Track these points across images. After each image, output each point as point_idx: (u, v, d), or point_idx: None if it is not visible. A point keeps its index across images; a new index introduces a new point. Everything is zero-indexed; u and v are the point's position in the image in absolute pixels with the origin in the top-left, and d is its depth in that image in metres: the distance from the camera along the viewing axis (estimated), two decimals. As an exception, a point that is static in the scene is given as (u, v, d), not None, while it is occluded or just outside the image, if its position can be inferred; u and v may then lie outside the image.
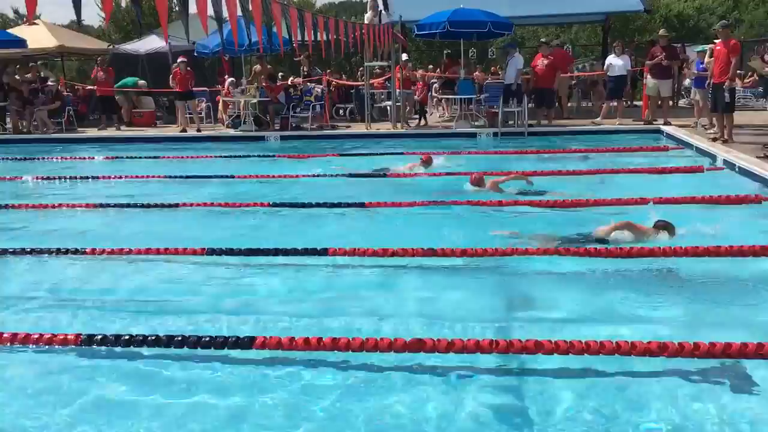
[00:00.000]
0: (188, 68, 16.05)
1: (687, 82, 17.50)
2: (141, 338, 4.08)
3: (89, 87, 19.60)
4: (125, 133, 16.49)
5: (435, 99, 18.61)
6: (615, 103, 15.09)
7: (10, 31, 20.83)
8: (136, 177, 10.34)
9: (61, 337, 4.16)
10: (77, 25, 22.44)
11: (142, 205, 7.97)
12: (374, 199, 7.75)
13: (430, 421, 3.30)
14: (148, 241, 6.23)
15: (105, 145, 15.14)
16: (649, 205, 7.00)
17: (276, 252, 5.79)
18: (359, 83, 17.64)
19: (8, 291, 5.43)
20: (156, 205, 7.96)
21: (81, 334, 4.16)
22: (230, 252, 5.86)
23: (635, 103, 18.04)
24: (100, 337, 4.12)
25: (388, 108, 16.13)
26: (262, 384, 3.72)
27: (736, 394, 3.49)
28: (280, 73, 19.16)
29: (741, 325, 4.31)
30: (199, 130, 15.97)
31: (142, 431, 3.31)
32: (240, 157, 12.46)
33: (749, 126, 12.84)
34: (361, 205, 7.60)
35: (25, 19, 30.95)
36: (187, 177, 10.03)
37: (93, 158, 12.86)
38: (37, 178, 10.50)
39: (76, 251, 6.09)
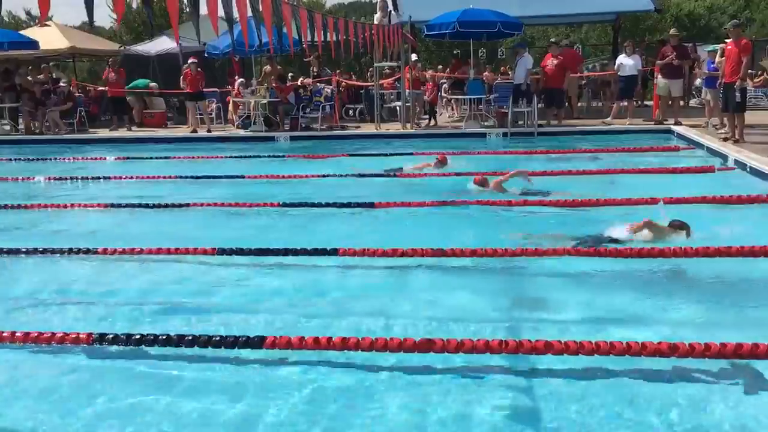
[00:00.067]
0: (199, 69, 16.12)
1: (698, 81, 17.40)
2: (152, 337, 4.10)
3: (101, 88, 19.73)
4: (136, 133, 16.58)
5: (444, 99, 18.60)
6: (625, 103, 15.03)
7: (22, 32, 20.97)
8: (147, 177, 10.39)
9: (73, 335, 4.18)
10: (89, 27, 22.58)
11: (153, 205, 8.02)
12: (384, 199, 7.76)
13: (439, 422, 3.30)
14: (159, 241, 6.26)
15: (116, 145, 15.23)
16: (659, 205, 6.97)
17: (286, 252, 5.81)
18: (369, 84, 17.65)
19: (21, 290, 5.47)
20: (167, 205, 8.00)
21: (92, 333, 4.19)
22: (240, 252, 5.88)
23: (646, 102, 17.97)
24: (111, 336, 4.14)
25: (398, 108, 16.14)
26: (273, 383, 3.74)
27: (748, 394, 3.47)
28: (289, 74, 19.20)
29: (752, 325, 4.29)
30: (209, 131, 16.04)
31: (152, 430, 3.33)
32: (250, 157, 12.51)
33: (760, 126, 12.75)
34: (371, 205, 7.61)
35: (37, 20, 31.19)
36: (198, 177, 10.08)
37: (104, 159, 12.94)
38: (49, 178, 10.57)
39: (87, 251, 6.13)
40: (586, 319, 4.49)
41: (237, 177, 10.03)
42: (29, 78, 17.22)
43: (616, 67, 15.06)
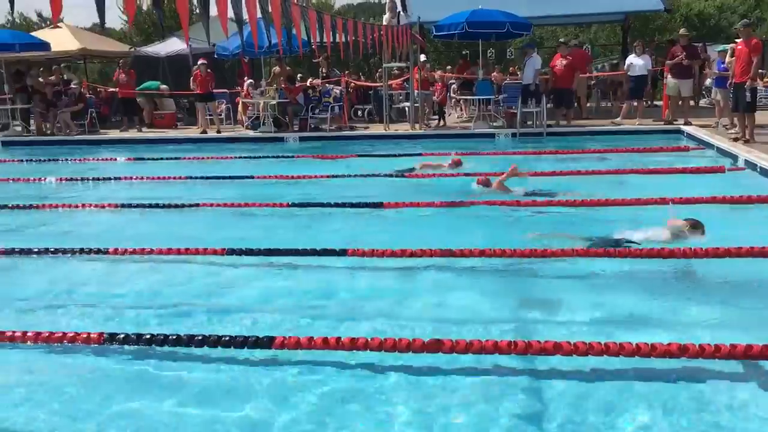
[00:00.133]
0: (208, 70, 16.19)
1: (708, 81, 17.32)
2: (162, 337, 4.13)
3: (111, 89, 19.84)
4: (146, 134, 16.66)
5: (453, 100, 18.60)
6: (635, 103, 14.98)
7: (33, 34, 21.10)
8: (157, 178, 10.44)
9: (84, 335, 4.21)
10: (100, 28, 22.71)
11: (163, 206, 8.06)
12: (393, 199, 7.77)
13: (447, 422, 3.31)
14: (169, 241, 6.29)
15: (127, 146, 15.32)
16: (669, 205, 6.94)
17: (295, 252, 5.83)
18: (378, 84, 17.66)
19: (32, 290, 5.51)
20: (176, 206, 8.04)
21: (103, 333, 4.22)
22: (250, 252, 5.90)
23: (655, 102, 17.90)
24: (122, 336, 4.17)
25: (407, 109, 16.15)
26: (282, 383, 3.75)
27: (758, 396, 3.46)
28: (299, 75, 19.25)
29: (762, 326, 4.27)
30: (218, 132, 16.09)
31: (162, 429, 3.35)
32: (259, 158, 12.55)
33: (771, 126, 12.69)
34: (380, 205, 7.62)
35: (48, 22, 31.39)
36: (207, 178, 10.13)
37: (115, 159, 13.01)
38: (60, 179, 10.64)
39: (98, 251, 6.17)
40: (596, 320, 4.48)
41: (246, 177, 10.06)
42: (40, 79, 17.33)
43: (626, 67, 15.02)
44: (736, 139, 11.22)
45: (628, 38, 19.38)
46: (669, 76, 14.02)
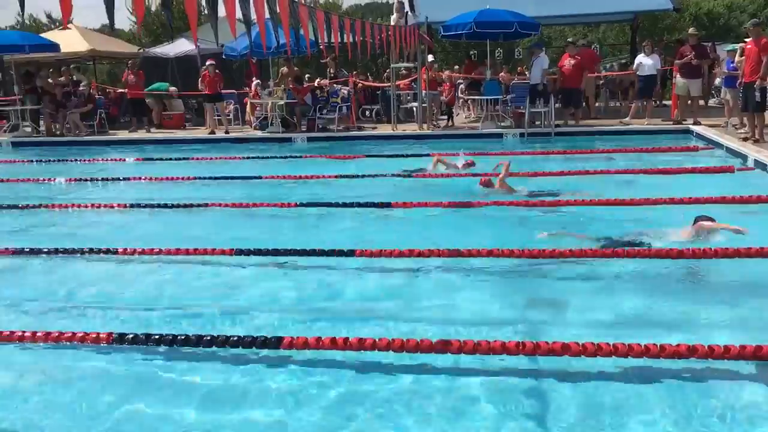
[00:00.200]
0: (217, 71, 16.23)
1: (717, 81, 17.23)
2: (170, 337, 4.14)
3: (120, 90, 19.91)
4: (155, 135, 16.71)
5: (461, 100, 18.58)
6: (644, 103, 14.92)
7: (43, 35, 21.21)
8: (166, 178, 10.48)
9: (93, 335, 4.24)
10: (109, 30, 22.80)
11: (172, 206, 8.08)
12: (401, 199, 7.77)
13: (455, 423, 3.31)
14: (177, 241, 6.31)
15: (135, 146, 15.38)
16: (678, 205, 6.93)
17: (303, 252, 5.84)
18: (385, 84, 17.67)
19: (41, 290, 5.55)
20: (185, 206, 8.07)
21: (112, 333, 4.24)
22: (258, 252, 5.91)
23: (665, 102, 17.82)
24: (130, 336, 4.19)
25: (414, 109, 16.15)
26: (290, 383, 3.76)
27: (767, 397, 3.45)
28: (306, 75, 19.27)
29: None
30: (227, 132, 16.13)
31: (169, 428, 3.37)
32: (267, 158, 12.57)
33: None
34: (388, 205, 7.63)
35: (57, 23, 31.55)
36: (216, 178, 10.15)
37: (124, 160, 13.07)
38: (69, 179, 10.70)
39: (107, 251, 6.20)
40: (604, 321, 4.48)
41: (254, 178, 10.08)
42: (50, 80, 17.41)
43: (634, 66, 14.96)
44: (745, 139, 11.16)
45: (636, 38, 19.32)
46: (678, 75, 13.95)
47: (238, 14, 7.46)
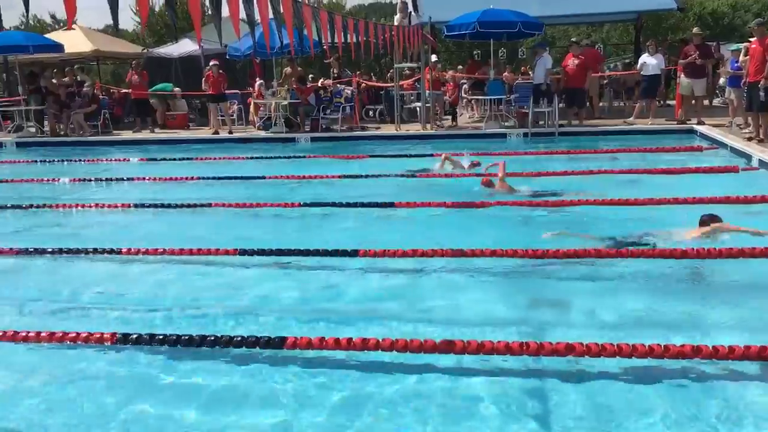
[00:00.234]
0: (220, 71, 16.25)
1: (722, 80, 17.19)
2: (174, 337, 4.14)
3: (124, 90, 19.94)
4: (159, 135, 16.74)
5: (465, 100, 18.57)
6: (649, 103, 14.89)
7: (47, 35, 21.26)
8: (170, 178, 10.49)
9: (97, 335, 4.24)
10: (113, 30, 22.83)
11: (175, 206, 8.09)
12: (404, 199, 7.77)
13: (459, 423, 3.31)
14: (181, 241, 6.32)
15: (139, 147, 15.39)
16: (682, 205, 6.91)
17: (307, 252, 5.84)
18: (389, 85, 17.67)
19: (45, 290, 5.56)
20: (189, 206, 8.08)
21: (116, 333, 4.24)
22: (261, 252, 5.91)
23: (668, 102, 17.78)
24: (134, 336, 4.19)
25: (418, 109, 16.14)
26: (293, 383, 3.76)
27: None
28: (310, 75, 19.28)
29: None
30: (230, 132, 16.14)
31: (172, 428, 3.37)
32: (271, 158, 12.57)
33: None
34: (391, 205, 7.62)
35: (62, 23, 31.62)
36: (219, 178, 10.16)
37: (128, 160, 13.09)
38: (73, 179, 10.72)
39: (111, 251, 6.21)
40: (608, 321, 4.47)
41: (258, 178, 10.08)
42: (54, 81, 17.46)
43: (638, 66, 14.93)
44: (749, 139, 11.13)
45: (640, 37, 19.27)
46: (682, 75, 13.93)
47: (242, 14, 7.47)
